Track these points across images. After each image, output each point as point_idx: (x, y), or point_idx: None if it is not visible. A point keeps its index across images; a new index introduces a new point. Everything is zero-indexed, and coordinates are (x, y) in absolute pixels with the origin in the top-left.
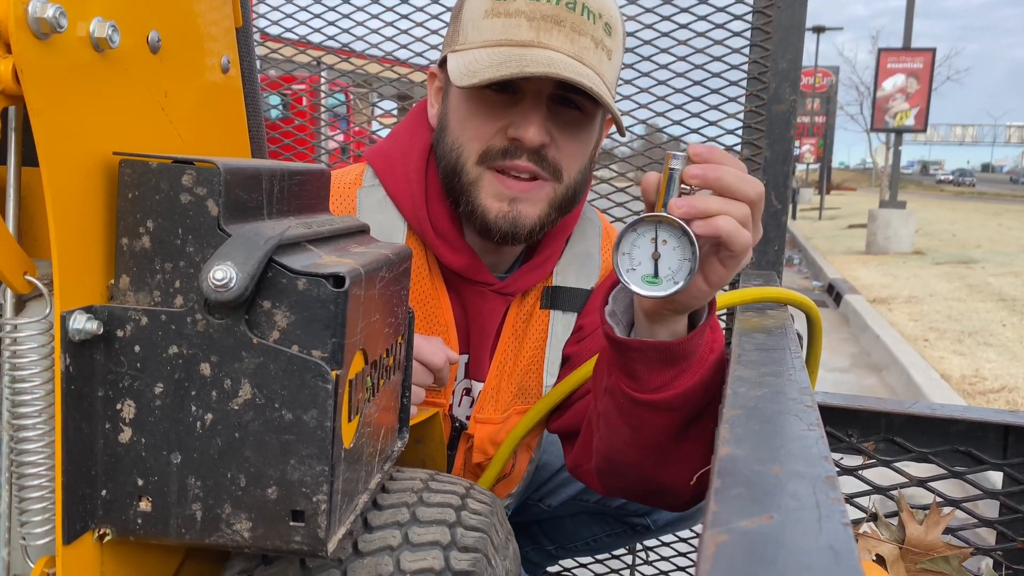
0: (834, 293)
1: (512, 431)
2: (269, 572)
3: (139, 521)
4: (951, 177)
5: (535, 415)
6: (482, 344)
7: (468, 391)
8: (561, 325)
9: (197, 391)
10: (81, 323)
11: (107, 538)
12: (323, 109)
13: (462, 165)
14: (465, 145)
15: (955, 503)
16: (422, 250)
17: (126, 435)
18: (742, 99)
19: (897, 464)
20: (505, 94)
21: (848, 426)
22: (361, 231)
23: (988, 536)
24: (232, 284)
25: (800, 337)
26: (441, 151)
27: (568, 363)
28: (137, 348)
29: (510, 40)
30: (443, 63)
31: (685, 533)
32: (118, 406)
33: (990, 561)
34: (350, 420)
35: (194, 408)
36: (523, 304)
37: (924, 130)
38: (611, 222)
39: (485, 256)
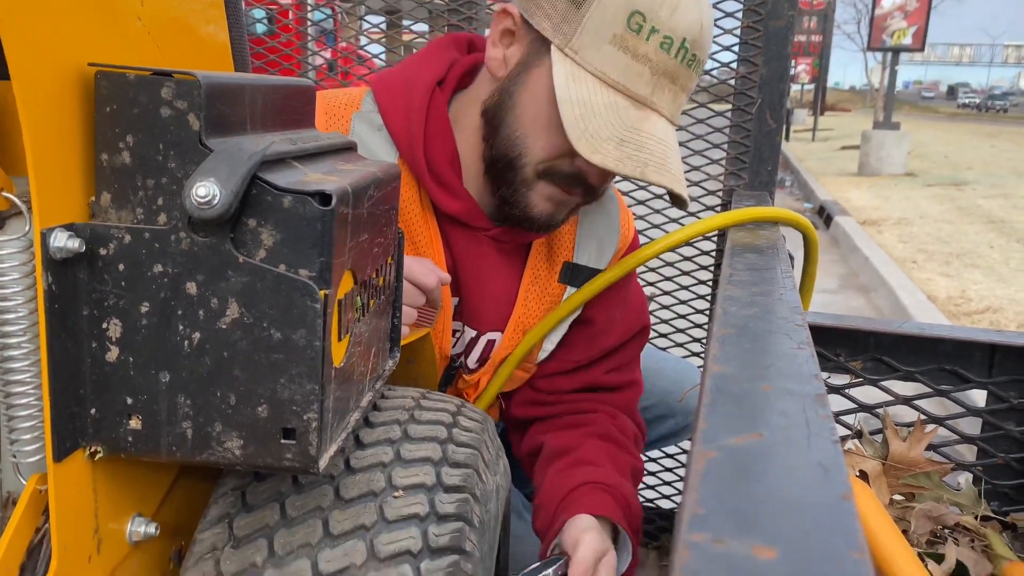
0: (825, 215)
1: (515, 350)
2: (262, 488)
3: (129, 439)
4: (977, 101)
5: (540, 332)
6: (473, 290)
7: (457, 332)
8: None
9: (184, 310)
10: (62, 241)
11: (98, 456)
12: (309, 24)
13: (521, 166)
14: (531, 149)
15: (938, 420)
16: (415, 185)
17: (113, 354)
18: (739, 15)
19: (883, 383)
20: None
21: (837, 345)
22: (348, 148)
23: (968, 453)
24: (215, 201)
25: (791, 257)
26: (498, 126)
27: (564, 345)
28: (121, 267)
29: (627, 89)
30: (527, 21)
31: (672, 449)
32: (104, 325)
33: (970, 476)
34: (340, 339)
35: (181, 327)
36: (537, 269)
37: (922, 49)
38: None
39: (482, 200)
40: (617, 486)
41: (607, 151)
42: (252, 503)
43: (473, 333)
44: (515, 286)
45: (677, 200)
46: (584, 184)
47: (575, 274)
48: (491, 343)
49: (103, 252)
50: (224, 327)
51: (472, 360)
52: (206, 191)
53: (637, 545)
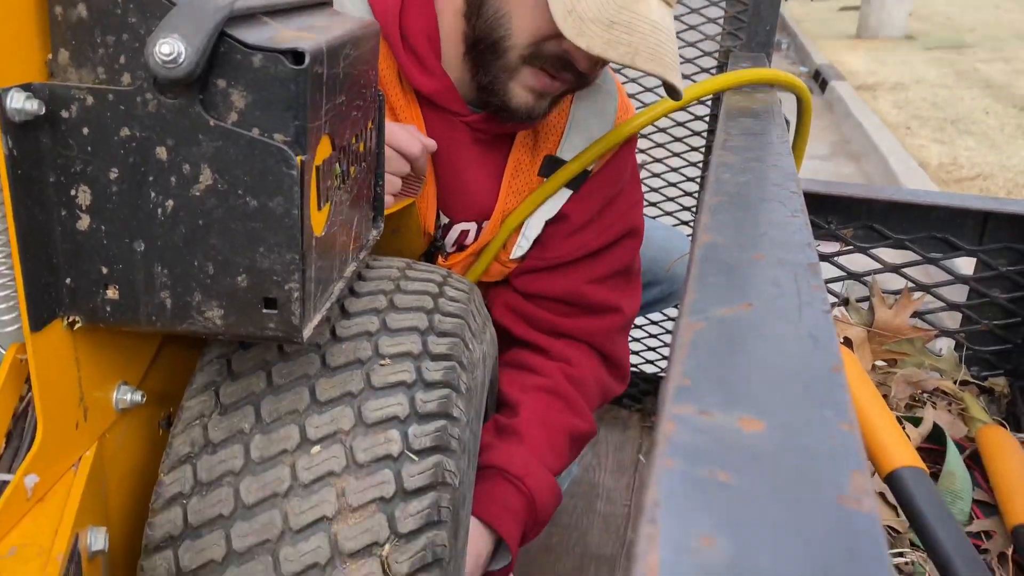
0: (820, 79)
1: (494, 239)
2: (247, 357)
3: (107, 309)
4: None
5: (519, 216)
6: (449, 178)
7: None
8: (551, 198)
9: (155, 176)
10: (20, 102)
11: (77, 326)
12: None
13: (505, 50)
14: (516, 30)
15: (925, 288)
16: (394, 62)
17: (84, 222)
18: None
19: (873, 250)
20: None
21: (829, 213)
22: (323, 3)
23: (951, 320)
24: (181, 60)
25: (787, 122)
26: (480, 4)
27: (540, 243)
28: (86, 130)
29: None
30: None
31: (657, 316)
32: (72, 192)
33: (952, 342)
34: (320, 208)
35: (153, 194)
36: (520, 161)
37: None
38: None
39: (462, 84)
40: (524, 476)
41: (594, 34)
42: (238, 371)
43: (446, 220)
44: (495, 178)
45: (671, 90)
46: (572, 69)
47: (556, 169)
48: (464, 233)
49: (65, 115)
50: (198, 194)
51: (447, 245)
52: (170, 49)
53: (532, 535)
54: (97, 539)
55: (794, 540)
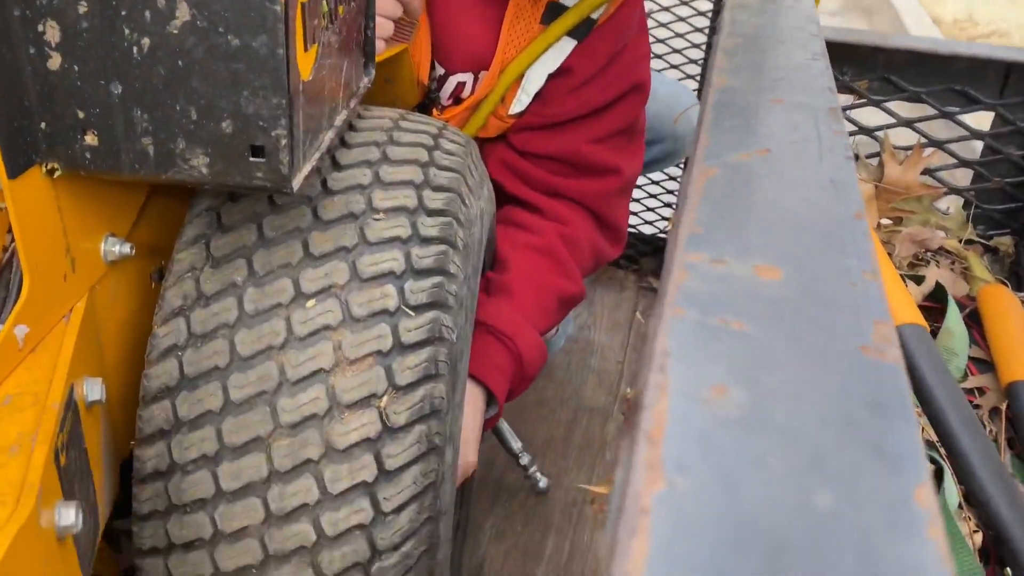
0: None
1: (492, 91)
2: (237, 209)
3: (87, 155)
4: None
5: (519, 66)
6: (444, 24)
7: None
8: (554, 48)
9: (128, 11)
10: None
11: (57, 173)
12: None
13: None
14: None
15: (938, 144)
16: None
17: (55, 61)
18: None
19: (887, 104)
20: None
21: (844, 63)
22: None
23: (956, 180)
24: None
25: None
26: None
27: (540, 97)
28: None
29: None
30: None
31: (657, 176)
32: (40, 28)
33: (959, 201)
34: (306, 49)
35: (127, 31)
36: (521, 7)
37: None
38: None
39: None
40: (513, 335)
41: None
42: (228, 223)
43: (441, 71)
44: (493, 25)
45: None
46: None
47: (559, 16)
48: (461, 85)
49: None
50: (175, 32)
51: (442, 98)
52: None
53: (519, 391)
54: (94, 389)
55: (813, 390)
